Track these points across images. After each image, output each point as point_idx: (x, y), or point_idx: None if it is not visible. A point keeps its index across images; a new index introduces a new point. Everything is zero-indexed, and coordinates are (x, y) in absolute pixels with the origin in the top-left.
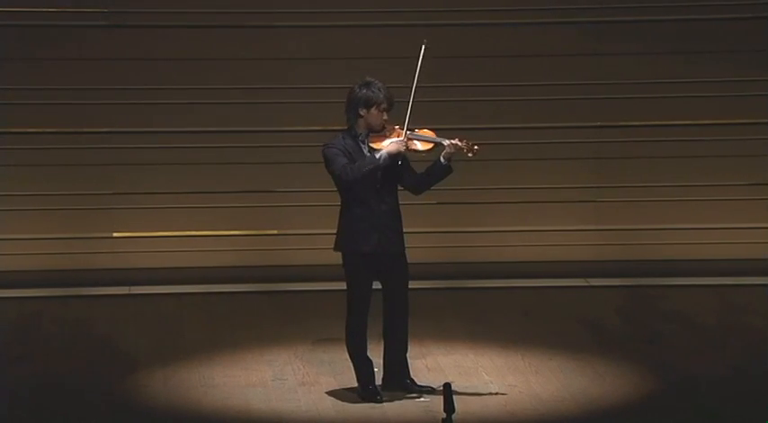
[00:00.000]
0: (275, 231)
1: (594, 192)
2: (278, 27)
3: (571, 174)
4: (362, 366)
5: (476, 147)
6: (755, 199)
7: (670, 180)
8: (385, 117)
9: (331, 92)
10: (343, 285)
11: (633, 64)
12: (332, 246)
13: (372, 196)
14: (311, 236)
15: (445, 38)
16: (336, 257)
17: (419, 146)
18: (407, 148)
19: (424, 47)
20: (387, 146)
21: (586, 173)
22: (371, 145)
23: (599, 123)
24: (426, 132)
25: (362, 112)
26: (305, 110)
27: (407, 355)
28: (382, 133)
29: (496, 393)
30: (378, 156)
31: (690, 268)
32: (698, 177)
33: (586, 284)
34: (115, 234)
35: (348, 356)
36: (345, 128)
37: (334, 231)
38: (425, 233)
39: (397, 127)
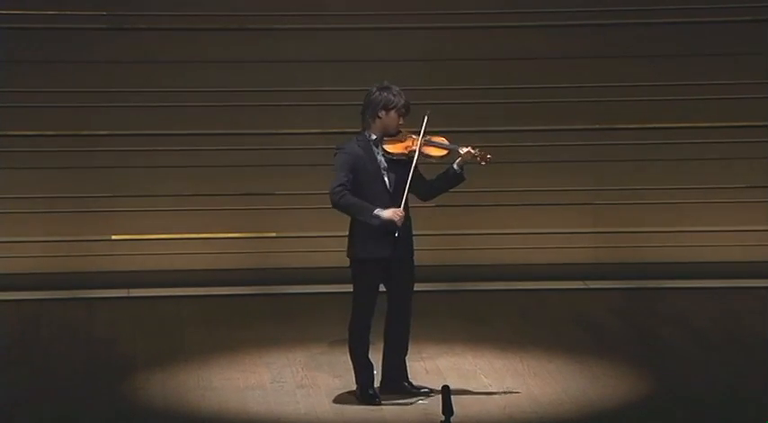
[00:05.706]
0: (273, 234)
1: (593, 194)
2: (277, 30)
3: (569, 176)
4: (363, 368)
5: (489, 156)
6: (754, 201)
7: (668, 183)
8: (401, 122)
9: (330, 95)
10: (341, 288)
11: (632, 67)
12: (331, 248)
13: (386, 202)
14: (309, 238)
15: (443, 41)
16: (335, 260)
17: (434, 152)
18: (423, 153)
19: (426, 117)
20: (388, 215)
21: (584, 175)
22: (385, 147)
23: (597, 126)
24: (440, 139)
25: (381, 114)
26: (304, 112)
27: (406, 357)
28: (396, 138)
29: (495, 396)
30: (375, 213)
31: (688, 271)
32: (696, 180)
33: (585, 287)
34: (114, 237)
35: (349, 358)
36: (359, 130)
37: (333, 234)
38: (424, 235)
39: (411, 134)
